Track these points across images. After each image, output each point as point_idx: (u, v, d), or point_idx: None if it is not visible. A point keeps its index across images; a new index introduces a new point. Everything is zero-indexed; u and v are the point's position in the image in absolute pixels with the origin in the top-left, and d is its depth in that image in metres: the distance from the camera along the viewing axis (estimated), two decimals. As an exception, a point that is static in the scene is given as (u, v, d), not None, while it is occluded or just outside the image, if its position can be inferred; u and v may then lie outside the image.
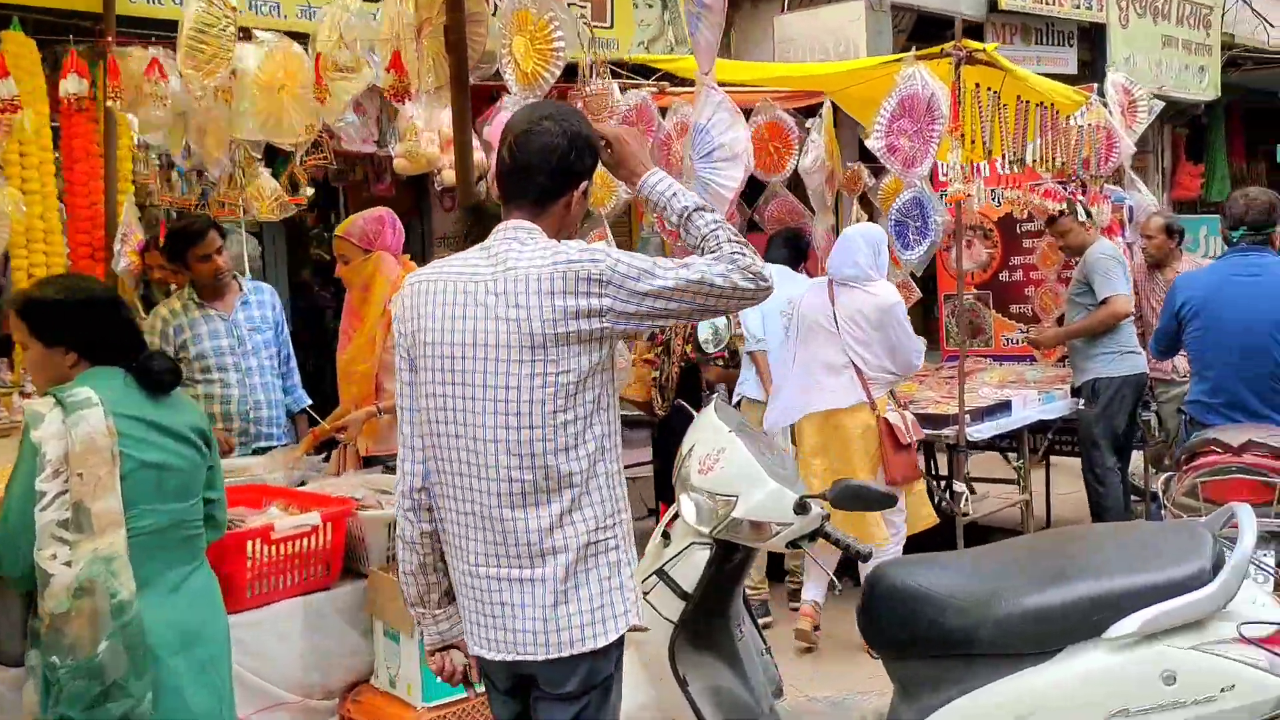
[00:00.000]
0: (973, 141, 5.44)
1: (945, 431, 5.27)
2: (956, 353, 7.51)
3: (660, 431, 5.93)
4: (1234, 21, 12.80)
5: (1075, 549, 2.97)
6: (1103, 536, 3.05)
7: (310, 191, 8.42)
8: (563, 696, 2.27)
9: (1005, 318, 7.32)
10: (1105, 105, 6.61)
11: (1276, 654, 2.60)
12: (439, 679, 2.45)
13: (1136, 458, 6.31)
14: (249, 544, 3.03)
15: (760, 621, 5.43)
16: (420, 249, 7.99)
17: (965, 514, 5.30)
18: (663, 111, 6.23)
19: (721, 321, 3.27)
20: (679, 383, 5.79)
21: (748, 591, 5.40)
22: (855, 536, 3.02)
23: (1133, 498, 6.12)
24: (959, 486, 5.23)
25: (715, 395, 3.34)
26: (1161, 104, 6.97)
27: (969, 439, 5.37)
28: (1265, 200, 4.46)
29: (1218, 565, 2.69)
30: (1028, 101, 5.78)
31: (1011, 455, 6.21)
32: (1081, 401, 5.76)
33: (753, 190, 6.50)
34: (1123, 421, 5.59)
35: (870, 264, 4.97)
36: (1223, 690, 2.60)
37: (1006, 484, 6.55)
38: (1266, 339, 4.31)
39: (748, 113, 5.98)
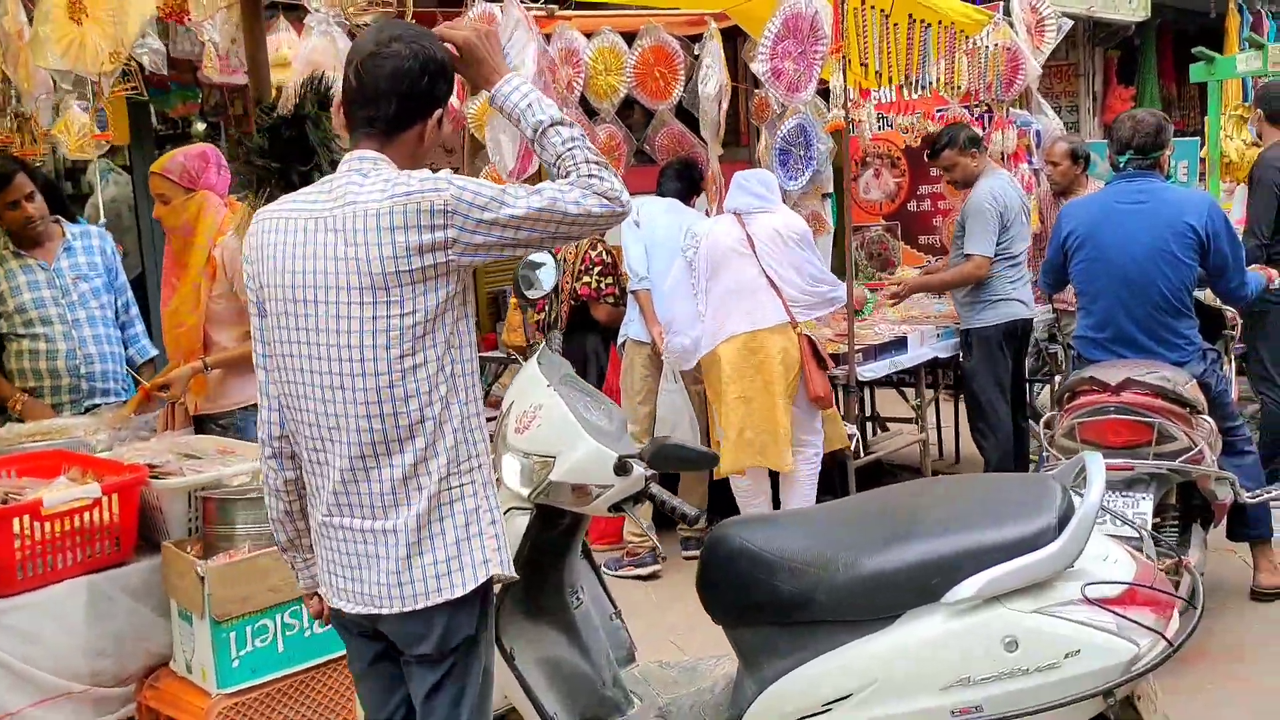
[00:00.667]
0: (864, 65, 5.14)
1: (837, 371, 5.04)
2: (869, 285, 7.34)
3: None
4: (1165, -60, 12.48)
5: (922, 505, 2.74)
6: (950, 491, 2.82)
7: (201, 127, 8.02)
8: (422, 659, 2.17)
9: (914, 249, 7.10)
10: (1011, 25, 6.33)
11: (1124, 616, 2.39)
12: (318, 622, 2.48)
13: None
14: (15, 521, 2.73)
15: (647, 571, 5.31)
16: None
17: (856, 456, 5.08)
18: (547, 38, 5.89)
19: (547, 269, 3.00)
20: (569, 323, 5.52)
21: (631, 540, 5.25)
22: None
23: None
24: (849, 428, 5.01)
25: (543, 344, 3.05)
26: (1070, 23, 6.69)
27: (860, 378, 5.15)
28: (1153, 122, 4.18)
29: (1065, 521, 2.48)
30: (922, 21, 5.46)
31: (912, 393, 5.99)
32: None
33: (645, 118, 6.19)
34: (1005, 370, 5.32)
35: (767, 194, 4.94)
36: (1067, 656, 2.39)
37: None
38: (1151, 269, 4.07)
39: (631, 37, 5.65)
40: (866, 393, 6.92)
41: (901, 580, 2.51)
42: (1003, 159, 6.46)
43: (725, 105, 5.48)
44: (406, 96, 2.12)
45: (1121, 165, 4.21)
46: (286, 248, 2.11)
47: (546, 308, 5.60)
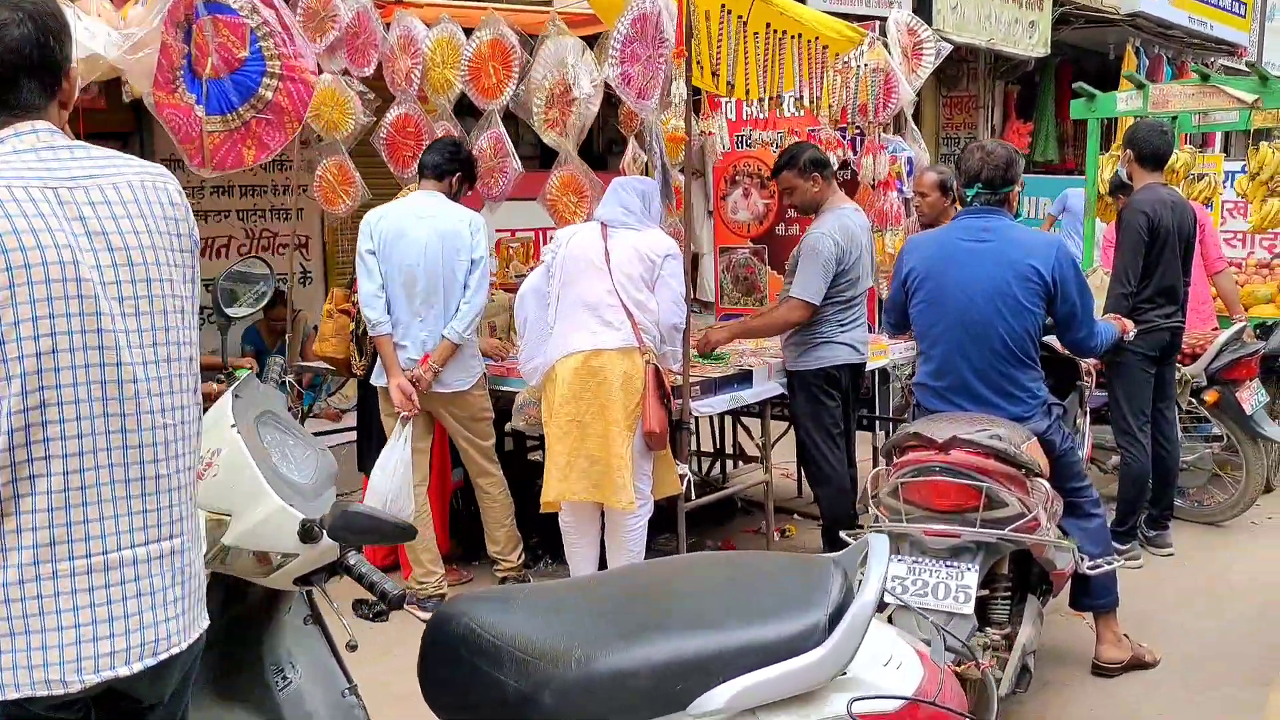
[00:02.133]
0: (715, 74, 4.73)
1: (678, 404, 4.60)
2: (732, 310, 6.95)
3: (363, 391, 5.16)
4: (1066, -23, 12.41)
5: (679, 590, 2.29)
6: (714, 574, 2.36)
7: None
8: (152, 707, 1.84)
9: (781, 275, 6.70)
10: (886, 46, 5.99)
11: (897, 739, 1.98)
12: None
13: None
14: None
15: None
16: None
17: (688, 499, 4.64)
18: (387, 25, 5.42)
19: (263, 284, 2.54)
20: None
21: (418, 583, 4.76)
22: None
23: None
24: (681, 468, 4.57)
25: (247, 372, 2.57)
26: (949, 47, 6.38)
27: (696, 413, 4.73)
28: (1003, 155, 3.82)
29: (840, 616, 2.05)
30: (782, 32, 5.07)
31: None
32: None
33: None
34: (832, 416, 4.90)
35: (641, 211, 4.51)
36: (828, 788, 1.98)
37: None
38: (992, 314, 3.70)
39: (469, 31, 5.18)
40: (723, 424, 6.56)
41: (642, 684, 2.05)
42: (873, 186, 6.12)
43: (594, 109, 4.99)
44: (36, 68, 1.77)
45: (969, 199, 3.84)
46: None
47: (359, 317, 5.14)
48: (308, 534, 2.17)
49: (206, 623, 1.91)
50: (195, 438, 1.89)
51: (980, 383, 3.72)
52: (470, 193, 4.88)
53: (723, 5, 4.67)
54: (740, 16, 4.76)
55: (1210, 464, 5.76)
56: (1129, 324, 4.50)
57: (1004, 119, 13.65)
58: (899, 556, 3.32)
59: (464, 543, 5.35)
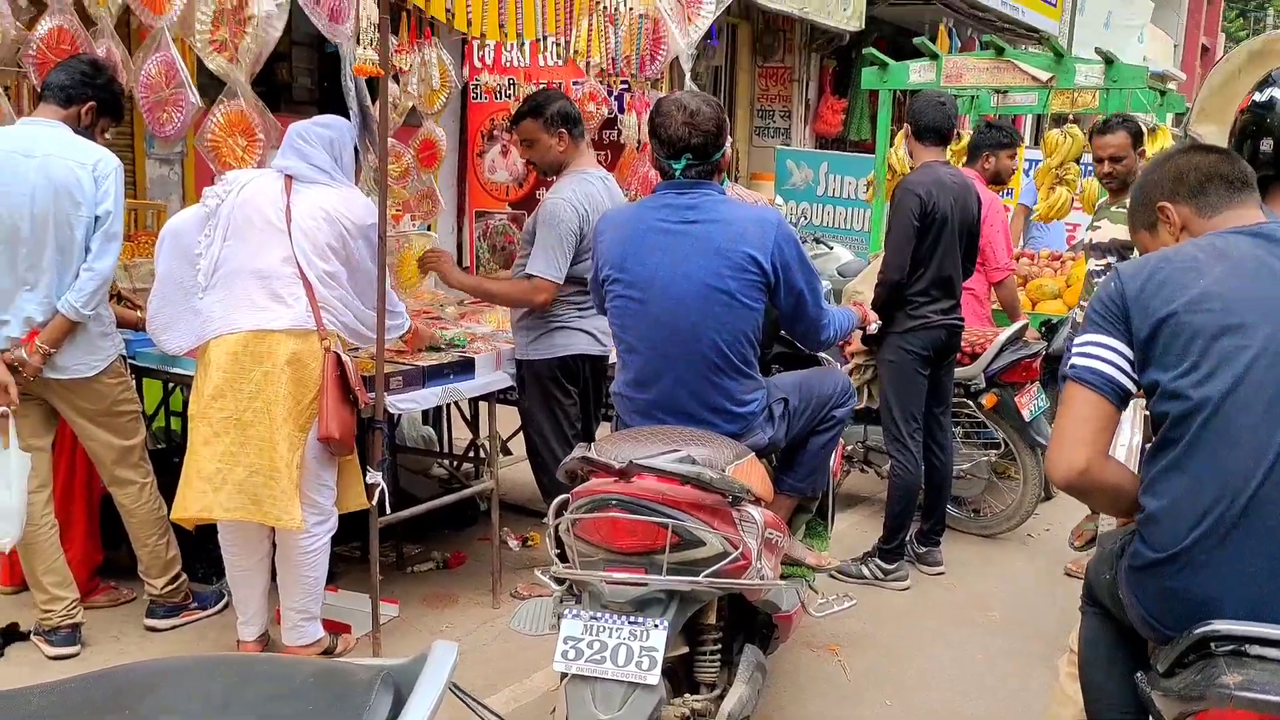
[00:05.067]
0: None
1: (371, 398, 3.79)
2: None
3: None
4: (883, -50, 12.08)
5: (151, 714, 1.52)
6: (207, 688, 1.59)
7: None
8: None
9: (542, 247, 5.97)
10: (658, -9, 5.29)
11: None
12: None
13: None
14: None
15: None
16: None
17: (383, 513, 3.85)
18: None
19: None
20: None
21: (41, 612, 3.84)
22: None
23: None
24: (372, 476, 3.78)
25: None
26: (730, -1, 5.74)
27: (395, 409, 3.94)
28: (713, 115, 3.08)
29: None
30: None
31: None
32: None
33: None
34: (566, 416, 4.23)
35: (331, 165, 3.69)
36: None
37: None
38: (699, 314, 3.01)
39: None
40: (476, 410, 5.79)
41: None
42: (637, 148, 5.44)
43: (277, 32, 4.08)
44: None
45: (677, 173, 3.09)
46: None
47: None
48: None
49: None
50: None
51: (689, 397, 3.04)
52: (110, 132, 3.92)
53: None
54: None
55: (987, 472, 5.31)
56: (870, 312, 3.90)
57: (819, 94, 13.32)
58: (575, 612, 2.62)
59: (130, 552, 4.41)
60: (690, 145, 3.03)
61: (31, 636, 3.86)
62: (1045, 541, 5.40)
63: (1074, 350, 2.14)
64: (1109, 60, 5.80)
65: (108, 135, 3.91)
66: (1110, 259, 4.81)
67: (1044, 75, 5.74)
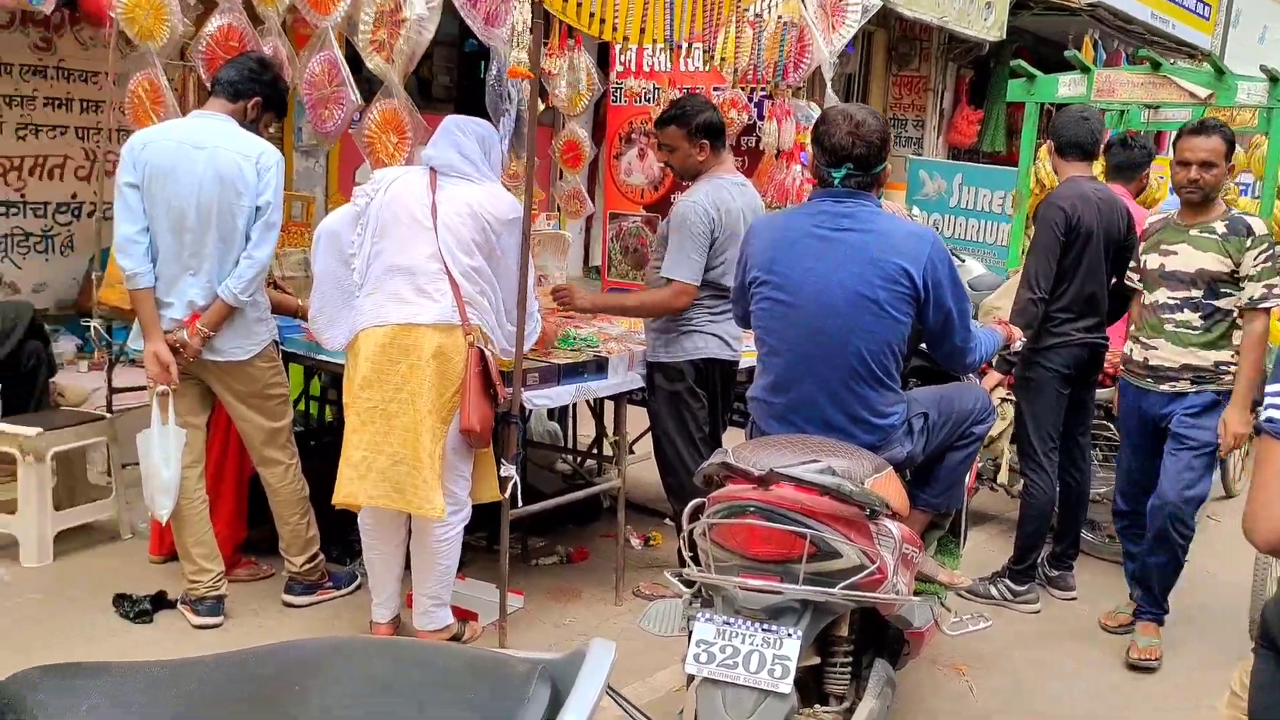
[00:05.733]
0: (577, 4, 3.97)
1: (508, 393, 3.86)
2: (620, 285, 6.25)
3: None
4: (1028, -41, 11.78)
5: (312, 695, 1.59)
6: (366, 670, 1.65)
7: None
8: None
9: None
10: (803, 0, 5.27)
11: None
12: None
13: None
14: None
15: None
16: None
17: (515, 506, 3.91)
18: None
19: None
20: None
21: (189, 582, 4.01)
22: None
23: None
24: (506, 469, 3.85)
25: None
26: (878, 3, 5.66)
27: (532, 404, 4.01)
28: (877, 127, 3.06)
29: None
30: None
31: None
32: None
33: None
34: (696, 420, 4.23)
35: (481, 160, 3.75)
36: None
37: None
38: (847, 320, 2.99)
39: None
40: (601, 407, 5.85)
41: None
42: (776, 156, 5.43)
43: (429, 34, 4.20)
44: None
45: (836, 181, 3.07)
46: None
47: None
48: None
49: None
50: None
51: (829, 403, 3.02)
52: (274, 126, 4.08)
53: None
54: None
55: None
56: (1016, 331, 3.79)
57: (954, 104, 13.06)
58: (707, 615, 2.64)
59: (272, 530, 4.58)
60: (853, 155, 3.02)
61: (179, 605, 4.04)
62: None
63: (1267, 401, 1.92)
64: (1274, 78, 5.56)
65: (271, 129, 4.07)
66: (1195, 292, 4.07)
67: (1203, 92, 5.53)
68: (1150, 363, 4.17)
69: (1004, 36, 11.69)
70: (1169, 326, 4.11)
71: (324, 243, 3.77)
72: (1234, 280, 4.01)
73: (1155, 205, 7.12)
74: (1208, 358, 4.07)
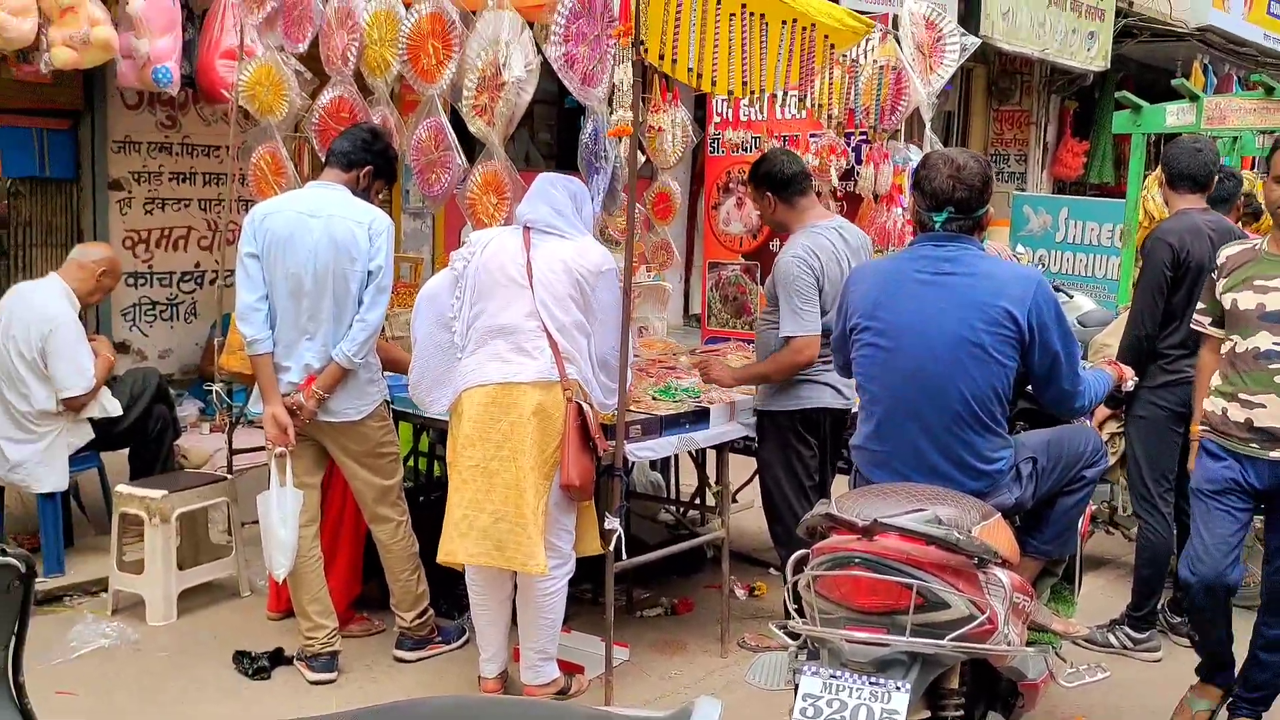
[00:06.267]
0: (673, 60, 4.04)
1: (610, 446, 3.90)
2: (720, 333, 6.26)
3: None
4: (1132, -14, 11.57)
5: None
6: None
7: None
8: None
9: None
10: (898, 41, 5.28)
11: None
12: None
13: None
14: None
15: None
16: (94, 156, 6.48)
17: (619, 559, 3.93)
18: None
19: None
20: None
21: (304, 639, 4.09)
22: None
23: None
24: (610, 522, 3.87)
25: None
26: (977, 42, 5.62)
27: (633, 457, 4.03)
28: (978, 170, 3.04)
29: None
30: (762, 16, 4.35)
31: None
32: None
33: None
34: (805, 468, 4.21)
35: (573, 215, 3.83)
36: None
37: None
38: (949, 364, 2.95)
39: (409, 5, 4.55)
40: (703, 457, 5.85)
41: None
42: (875, 199, 5.42)
43: (528, 96, 4.31)
44: None
45: (938, 225, 3.05)
46: None
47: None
48: None
49: None
50: None
51: (934, 449, 2.98)
52: (384, 193, 4.23)
53: (687, -21, 3.97)
54: (709, -7, 4.06)
55: (1249, 539, 4.93)
56: (1127, 371, 3.66)
57: (1058, 136, 12.88)
58: (813, 669, 2.61)
59: (382, 586, 4.68)
60: (954, 199, 3.01)
61: (295, 661, 4.14)
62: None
63: None
64: (1392, 97, 5.37)
65: (381, 196, 4.22)
66: None
67: (1317, 116, 5.36)
68: (1257, 424, 3.43)
69: (1108, 66, 11.49)
70: (1279, 379, 3.42)
71: (424, 308, 3.89)
72: None
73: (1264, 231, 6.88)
74: None
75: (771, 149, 4.55)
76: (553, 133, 9.60)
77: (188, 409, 6.46)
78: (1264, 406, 3.40)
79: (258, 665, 4.12)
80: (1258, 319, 3.44)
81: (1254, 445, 3.44)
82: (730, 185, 6.16)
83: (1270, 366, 3.41)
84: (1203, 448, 3.60)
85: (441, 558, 3.78)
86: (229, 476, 4.93)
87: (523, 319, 3.69)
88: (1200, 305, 3.70)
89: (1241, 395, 3.45)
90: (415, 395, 4.00)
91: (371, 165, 4.05)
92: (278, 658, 4.17)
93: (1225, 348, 3.54)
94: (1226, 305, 3.53)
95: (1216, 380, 3.58)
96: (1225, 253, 3.63)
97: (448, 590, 4.49)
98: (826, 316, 4.09)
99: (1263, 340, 3.43)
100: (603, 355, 3.84)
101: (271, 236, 3.85)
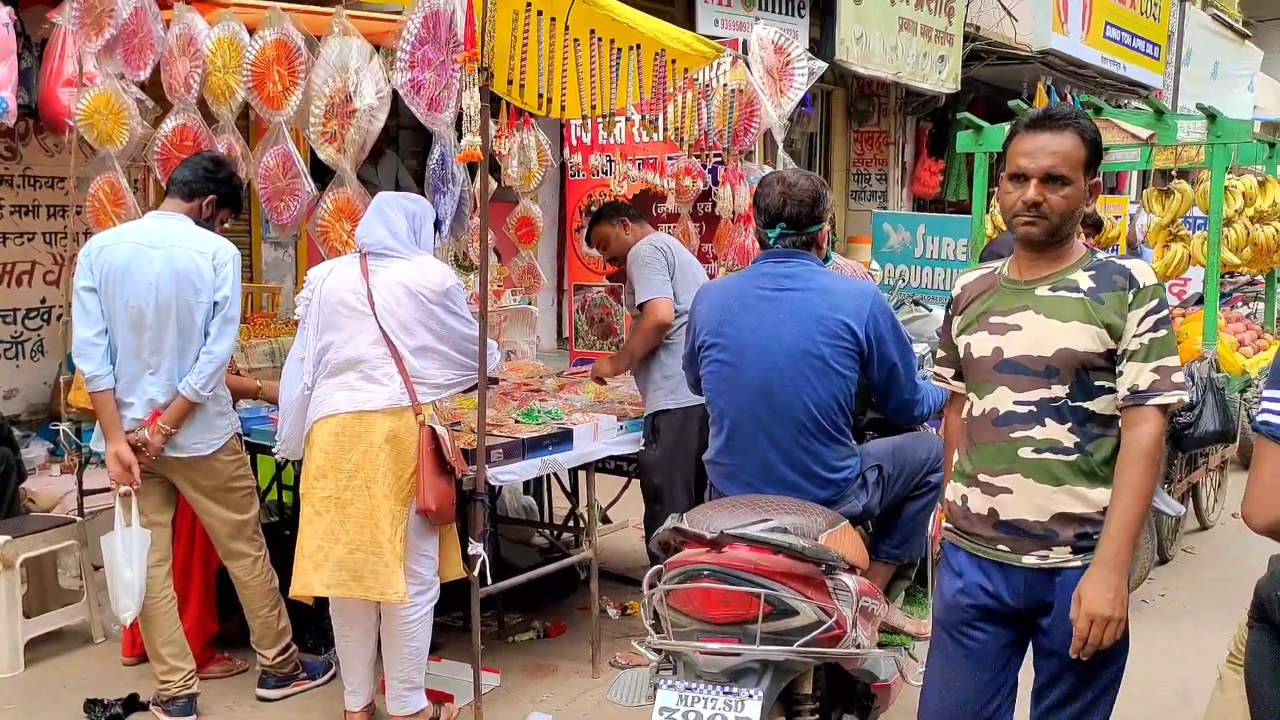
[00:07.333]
0: (521, 86, 4.07)
1: (470, 470, 3.87)
2: (588, 354, 6.29)
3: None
4: (978, 12, 12.08)
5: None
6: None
7: None
8: None
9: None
10: (748, 65, 5.40)
11: None
12: None
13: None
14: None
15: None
16: None
17: (484, 584, 3.89)
18: (167, 23, 4.71)
19: None
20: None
21: (159, 682, 3.97)
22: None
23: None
24: (473, 548, 3.84)
25: None
26: (824, 66, 5.78)
27: (495, 481, 4.01)
28: (808, 188, 3.16)
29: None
30: (612, 42, 4.43)
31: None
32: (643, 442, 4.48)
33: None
34: (691, 464, 4.24)
35: (409, 235, 3.78)
36: None
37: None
38: (792, 378, 3.04)
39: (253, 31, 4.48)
40: (575, 478, 5.86)
41: None
42: (733, 220, 5.52)
43: (379, 122, 4.27)
44: None
45: (772, 241, 3.18)
46: None
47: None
48: None
49: None
50: None
51: (781, 460, 3.06)
52: (229, 222, 4.14)
53: (528, 3, 4.01)
54: (553, 18, 4.10)
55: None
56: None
57: (916, 156, 13.32)
58: (669, 683, 2.64)
59: (242, 623, 4.55)
60: (784, 215, 3.12)
61: (151, 707, 4.00)
62: (1160, 607, 5.21)
63: (1264, 406, 1.95)
64: (1211, 115, 5.69)
65: (226, 225, 4.13)
66: (1057, 389, 2.33)
67: (1144, 133, 5.66)
68: (1003, 516, 2.43)
69: (959, 88, 11.96)
70: (1025, 451, 2.41)
71: (291, 370, 3.82)
72: (1113, 362, 2.39)
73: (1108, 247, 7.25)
74: (1093, 499, 2.38)
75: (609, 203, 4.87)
76: (418, 159, 9.53)
77: (36, 450, 6.18)
78: (1009, 491, 2.42)
79: (111, 713, 3.96)
80: (993, 369, 2.46)
81: (1002, 547, 2.45)
82: (592, 208, 6.20)
83: (1013, 435, 2.42)
84: (944, 555, 2.62)
85: (295, 591, 3.69)
86: (79, 519, 4.74)
87: (369, 347, 3.65)
88: (939, 353, 2.72)
89: (982, 476, 2.47)
90: (286, 451, 3.91)
91: (215, 194, 3.96)
92: (133, 704, 4.02)
93: (964, 409, 2.58)
94: (961, 351, 2.57)
95: (956, 457, 2.61)
96: (961, 282, 2.66)
97: (314, 624, 4.40)
98: (681, 304, 4.28)
99: (1001, 399, 2.44)
100: (452, 365, 3.80)
101: (109, 269, 3.73)
